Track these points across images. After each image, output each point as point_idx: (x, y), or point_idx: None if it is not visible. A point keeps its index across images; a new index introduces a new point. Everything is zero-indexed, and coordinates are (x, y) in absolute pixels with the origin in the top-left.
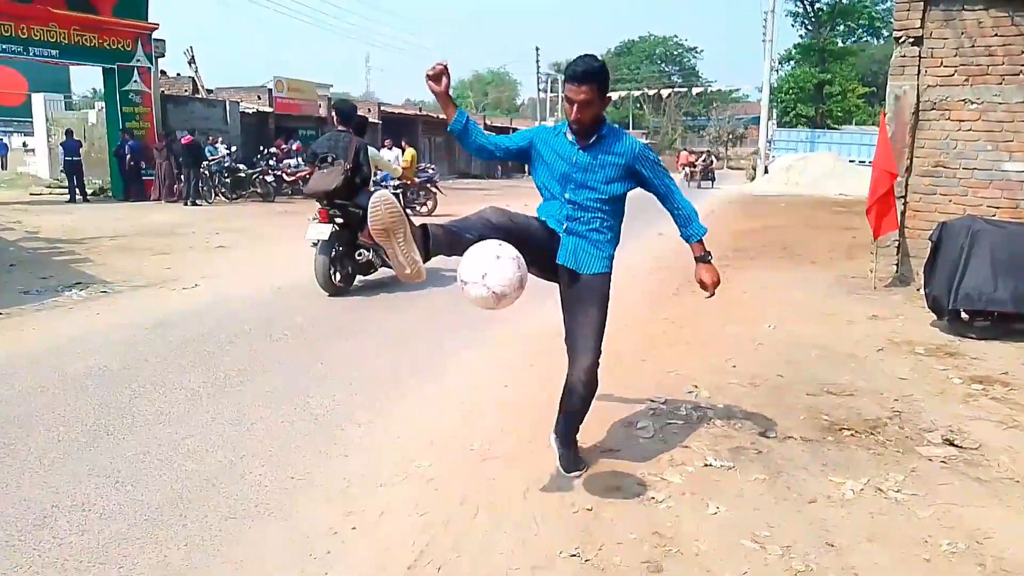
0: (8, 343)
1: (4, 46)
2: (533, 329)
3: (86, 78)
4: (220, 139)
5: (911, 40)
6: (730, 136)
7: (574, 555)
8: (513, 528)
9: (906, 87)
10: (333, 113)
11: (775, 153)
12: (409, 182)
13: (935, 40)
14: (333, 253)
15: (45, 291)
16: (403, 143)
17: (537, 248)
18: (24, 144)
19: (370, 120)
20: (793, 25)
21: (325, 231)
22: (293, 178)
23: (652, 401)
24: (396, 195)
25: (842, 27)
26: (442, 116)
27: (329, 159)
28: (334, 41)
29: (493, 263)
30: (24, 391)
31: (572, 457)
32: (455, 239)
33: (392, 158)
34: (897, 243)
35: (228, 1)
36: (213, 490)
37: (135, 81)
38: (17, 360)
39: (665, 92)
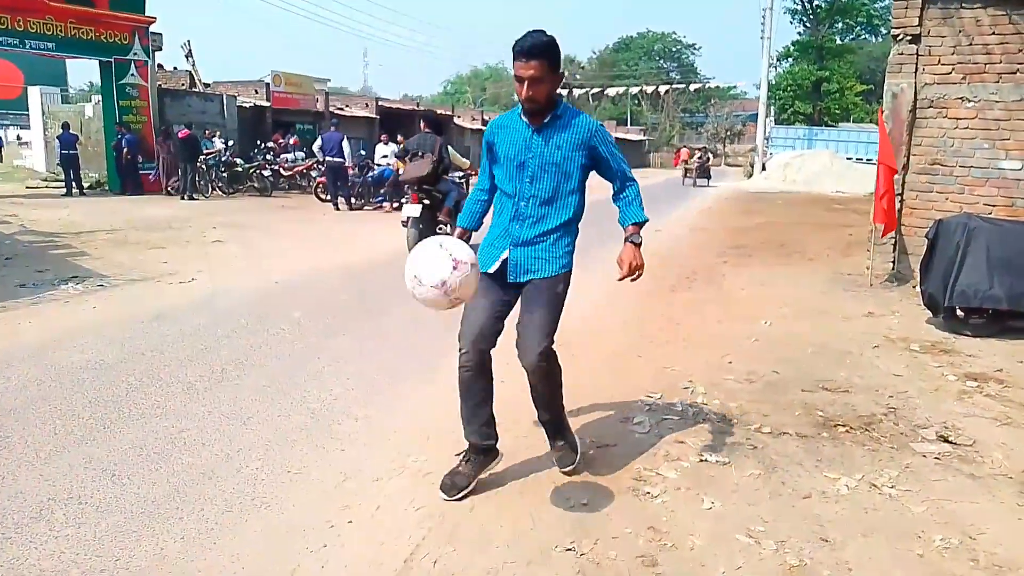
0: (4, 336)
1: (1, 39)
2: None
3: (83, 71)
4: (217, 133)
5: (909, 38)
6: (728, 133)
7: (569, 549)
8: (508, 523)
9: (904, 85)
10: (421, 120)
11: (773, 150)
12: (472, 172)
13: (933, 38)
14: (421, 227)
15: (41, 284)
16: (399, 139)
17: (501, 311)
18: (18, 137)
19: (367, 115)
20: (791, 22)
21: (417, 210)
22: (291, 173)
23: (648, 397)
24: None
25: (840, 24)
26: (440, 111)
27: (420, 153)
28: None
29: (449, 270)
30: (20, 384)
31: (563, 449)
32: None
33: (388, 153)
34: (894, 240)
35: None
36: (210, 483)
37: (132, 75)
38: (13, 353)
39: (663, 89)
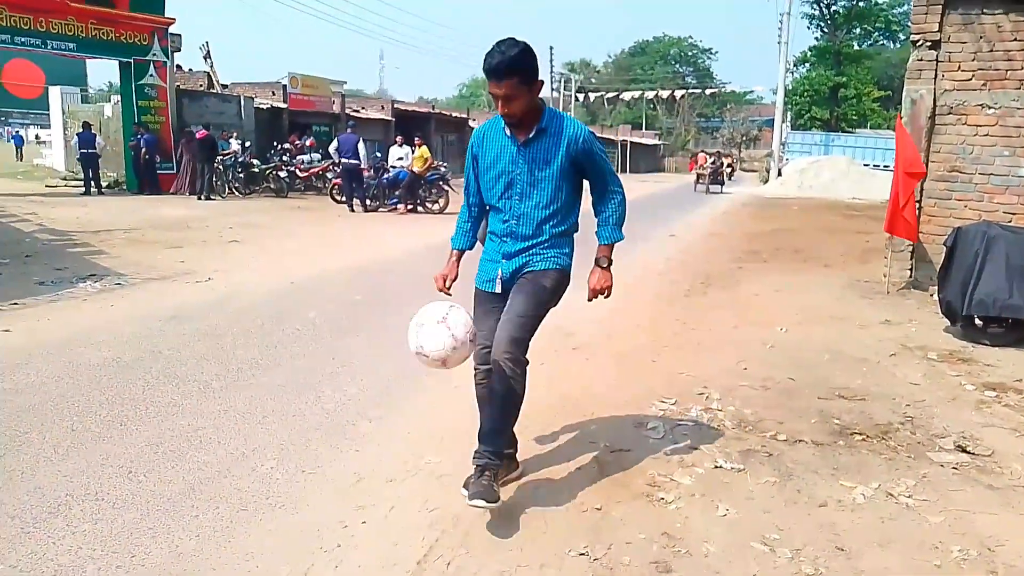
0: (23, 334)
1: (23, 39)
2: (543, 329)
3: (102, 72)
4: (234, 134)
5: (929, 44)
6: (743, 138)
7: (583, 554)
8: (522, 525)
9: (923, 91)
10: None
11: (789, 156)
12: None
13: (953, 44)
14: None
15: (60, 282)
16: (416, 140)
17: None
18: (36, 136)
19: (383, 118)
20: (809, 27)
21: None
22: (307, 174)
23: (663, 402)
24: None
25: (858, 30)
26: (455, 114)
27: None
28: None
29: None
30: (39, 381)
31: (483, 485)
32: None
33: (403, 155)
34: (911, 248)
35: None
36: (225, 482)
37: (151, 75)
38: (32, 351)
39: (679, 93)
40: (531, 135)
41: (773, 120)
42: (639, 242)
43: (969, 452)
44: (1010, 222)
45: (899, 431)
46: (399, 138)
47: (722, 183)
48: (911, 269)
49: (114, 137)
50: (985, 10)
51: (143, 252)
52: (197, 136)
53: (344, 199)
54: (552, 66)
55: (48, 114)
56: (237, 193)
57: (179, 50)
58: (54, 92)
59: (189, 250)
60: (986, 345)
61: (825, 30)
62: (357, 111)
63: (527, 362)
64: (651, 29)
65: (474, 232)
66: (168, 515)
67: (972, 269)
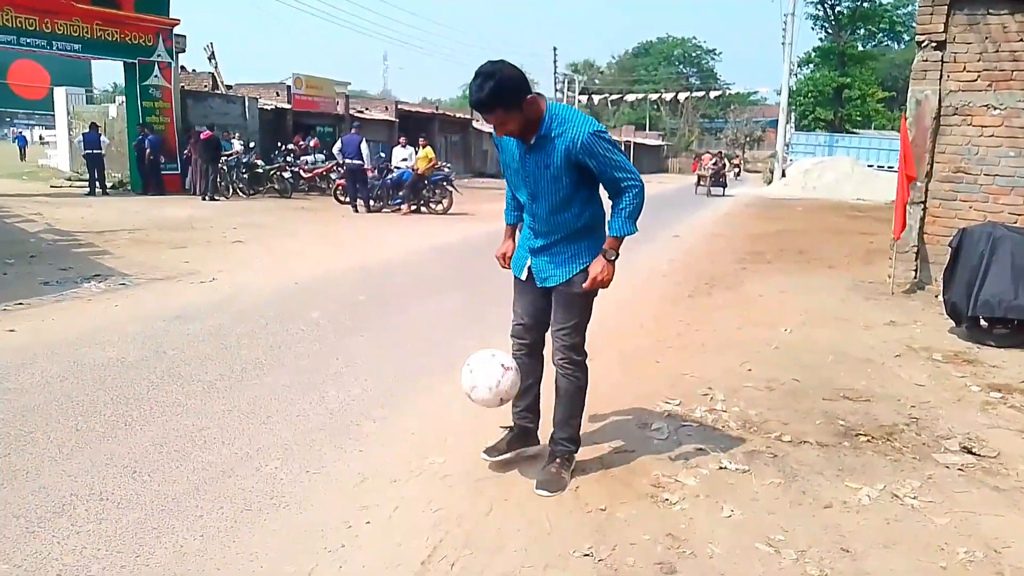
0: (28, 333)
1: (28, 40)
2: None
3: (107, 72)
4: (237, 134)
5: (934, 44)
6: (747, 139)
7: (587, 555)
8: (526, 526)
9: (928, 92)
10: None
11: (793, 156)
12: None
13: (958, 45)
14: None
15: (65, 282)
16: (421, 141)
17: (543, 305)
18: (40, 138)
19: (387, 118)
20: (813, 28)
21: None
22: (311, 175)
23: (667, 403)
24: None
25: (862, 31)
26: (459, 114)
27: None
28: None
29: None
30: (43, 381)
31: (550, 473)
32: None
33: (407, 156)
34: (916, 248)
35: None
36: (229, 481)
37: (155, 76)
38: (37, 350)
39: (683, 95)
40: (533, 141)
41: (777, 121)
42: (643, 243)
43: (975, 453)
44: (1015, 223)
45: (904, 432)
46: (403, 139)
47: (724, 185)
48: (916, 270)
49: (119, 138)
50: (991, 10)
51: (147, 252)
52: (201, 137)
53: (348, 199)
54: (556, 67)
55: (53, 115)
56: (241, 194)
57: (183, 51)
58: (59, 93)
59: (193, 250)
60: (991, 346)
61: (829, 31)
62: (361, 112)
63: (584, 357)
64: (655, 30)
65: (519, 211)
66: (172, 515)
67: (977, 270)
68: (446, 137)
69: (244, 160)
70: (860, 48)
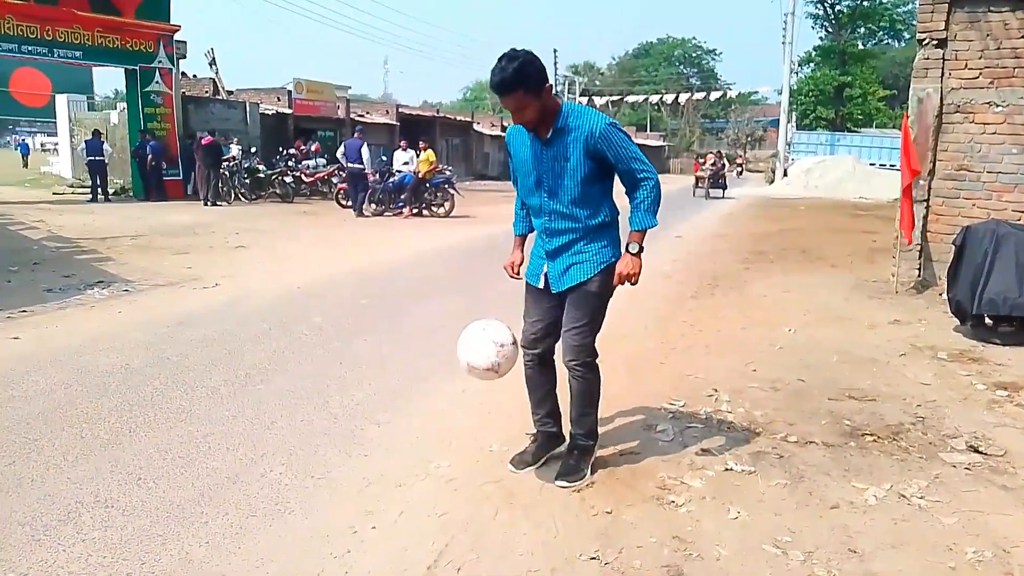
0: (32, 341)
1: (30, 48)
2: None
3: (108, 79)
4: (236, 140)
5: (935, 42)
6: (749, 139)
7: (594, 558)
8: (532, 530)
9: (929, 90)
10: None
11: (794, 156)
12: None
13: (959, 42)
14: None
15: (68, 289)
16: (421, 144)
17: (555, 315)
18: (41, 145)
19: (388, 122)
20: (813, 27)
21: None
22: (312, 179)
23: (671, 404)
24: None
25: (863, 29)
26: (460, 118)
27: None
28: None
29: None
30: (47, 388)
31: (568, 465)
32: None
33: (408, 159)
34: (919, 247)
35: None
36: (234, 488)
37: (156, 82)
38: (41, 357)
39: (683, 96)
40: (550, 134)
41: (778, 120)
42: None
43: (981, 452)
44: (1019, 220)
45: (910, 432)
46: (403, 142)
47: (724, 187)
48: (919, 268)
49: (121, 144)
50: (991, 8)
51: (150, 258)
52: (202, 142)
53: (350, 204)
54: (556, 69)
55: (55, 122)
56: (243, 199)
57: (184, 57)
58: (61, 100)
59: (196, 256)
60: (996, 344)
61: (829, 30)
62: (362, 116)
63: (595, 358)
64: (655, 31)
65: (529, 219)
66: (178, 522)
67: (981, 268)
68: (447, 140)
69: (245, 165)
70: (860, 47)
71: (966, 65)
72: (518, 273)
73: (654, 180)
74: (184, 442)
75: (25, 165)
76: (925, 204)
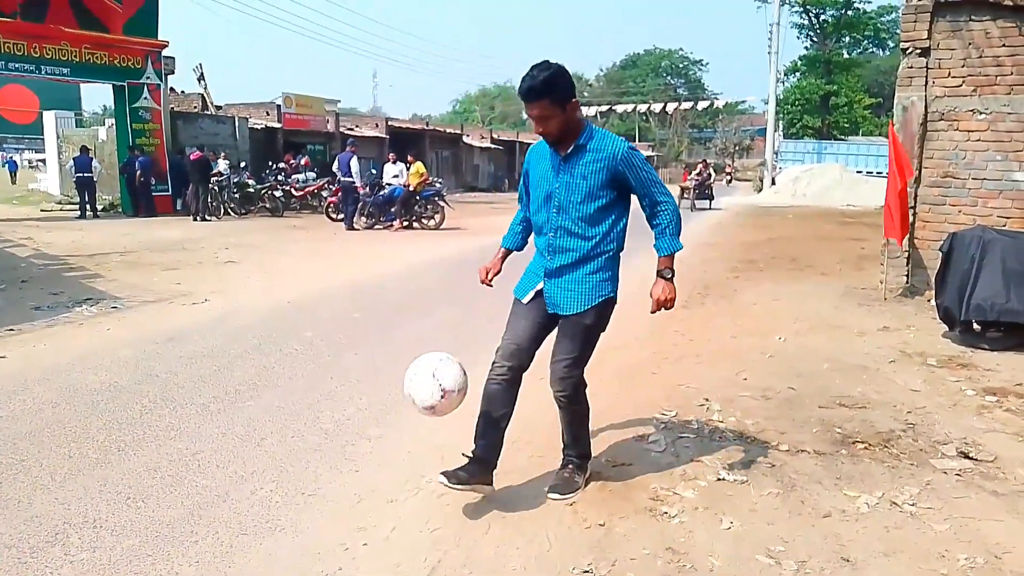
0: (19, 359)
1: (17, 65)
2: (545, 344)
3: (97, 96)
4: (223, 154)
5: (919, 51)
6: (736, 148)
7: (587, 571)
8: (525, 544)
9: (914, 98)
10: None
11: (782, 164)
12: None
13: (942, 51)
14: None
15: (56, 307)
16: (409, 158)
17: (538, 335)
18: (29, 162)
19: (377, 135)
20: (799, 37)
21: None
22: (302, 193)
23: (663, 414)
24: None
25: (848, 39)
26: (449, 130)
27: None
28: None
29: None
30: (35, 407)
31: (561, 479)
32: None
33: (398, 172)
34: (907, 254)
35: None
36: (224, 506)
37: (145, 98)
38: (29, 376)
39: (671, 107)
40: (570, 150)
41: (765, 129)
42: (635, 254)
43: (972, 458)
44: (1004, 226)
45: (901, 438)
46: (392, 155)
47: (711, 197)
48: (907, 275)
49: (109, 160)
50: (973, 17)
51: (139, 275)
52: (191, 157)
53: (340, 217)
54: None
55: (43, 139)
56: (232, 213)
57: (173, 72)
58: (48, 117)
59: (185, 272)
60: (985, 350)
61: (815, 39)
62: (351, 129)
63: (583, 387)
64: (642, 42)
65: (524, 235)
66: (167, 541)
67: (968, 274)
68: (437, 153)
69: (235, 180)
70: (846, 56)
71: (949, 73)
72: (489, 280)
73: (673, 205)
74: (173, 460)
75: (13, 182)
76: (912, 211)
